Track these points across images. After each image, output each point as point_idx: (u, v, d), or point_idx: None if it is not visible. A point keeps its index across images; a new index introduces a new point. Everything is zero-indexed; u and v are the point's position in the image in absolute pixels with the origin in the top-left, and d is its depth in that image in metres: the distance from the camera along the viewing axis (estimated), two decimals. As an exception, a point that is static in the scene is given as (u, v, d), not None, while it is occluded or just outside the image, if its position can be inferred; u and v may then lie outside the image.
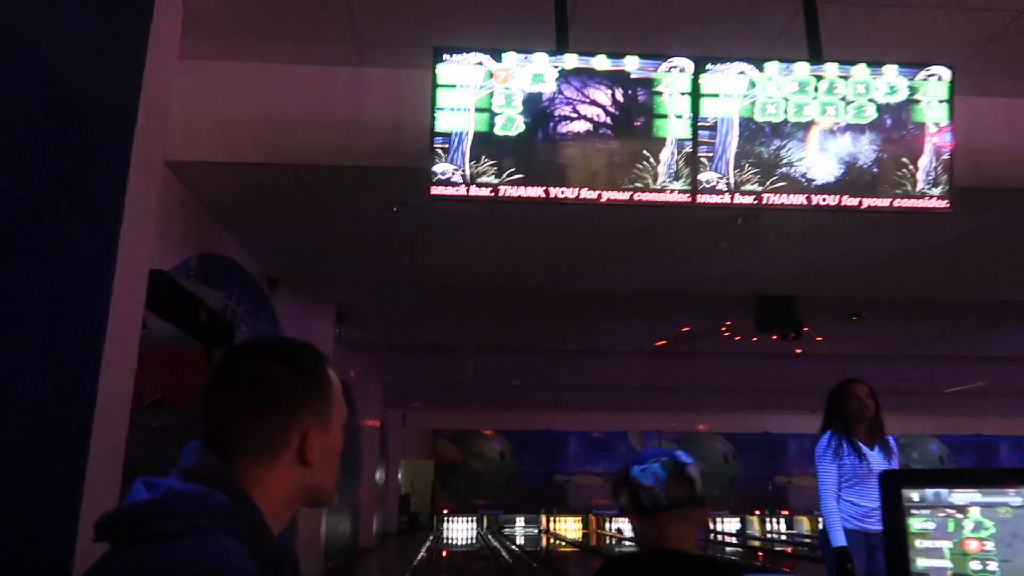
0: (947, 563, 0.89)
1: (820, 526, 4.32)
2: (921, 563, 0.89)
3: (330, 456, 1.11)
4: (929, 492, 0.93)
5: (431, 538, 17.66)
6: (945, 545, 0.90)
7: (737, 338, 10.31)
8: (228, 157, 4.33)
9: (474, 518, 20.16)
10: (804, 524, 21.20)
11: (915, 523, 0.92)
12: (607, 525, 20.62)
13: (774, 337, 8.61)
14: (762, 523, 21.06)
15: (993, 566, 0.87)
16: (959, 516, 0.90)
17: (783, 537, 19.88)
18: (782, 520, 21.14)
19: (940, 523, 0.90)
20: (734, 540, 18.90)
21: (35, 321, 2.79)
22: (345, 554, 12.83)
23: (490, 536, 18.43)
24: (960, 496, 0.92)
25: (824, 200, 3.30)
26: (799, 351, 11.07)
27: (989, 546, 0.88)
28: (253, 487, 1.02)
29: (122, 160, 3.06)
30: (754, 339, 9.99)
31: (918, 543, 0.90)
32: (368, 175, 4.50)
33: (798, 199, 3.28)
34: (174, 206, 4.61)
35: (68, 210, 2.94)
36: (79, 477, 2.79)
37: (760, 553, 15.80)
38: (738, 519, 21.05)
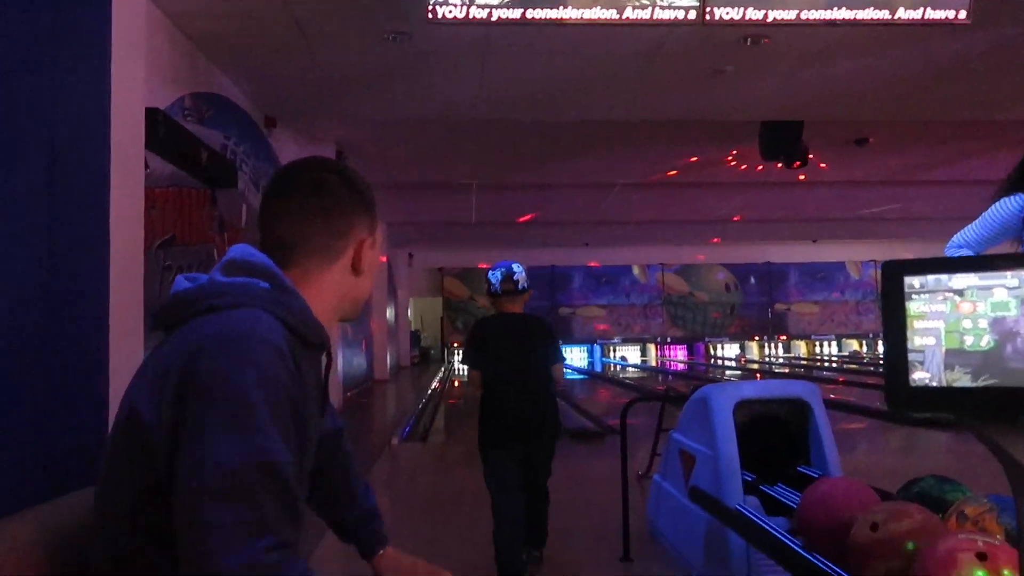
0: (942, 340, 0.93)
1: None
2: (918, 341, 0.94)
3: (372, 269, 1.21)
4: (931, 278, 0.96)
5: (443, 370, 18.43)
6: (941, 325, 0.94)
7: (742, 168, 10.23)
8: (212, -14, 4.14)
9: (483, 350, 20.87)
10: (801, 348, 22.02)
11: (914, 306, 0.95)
12: (612, 353, 21.43)
13: (779, 165, 8.54)
14: (760, 348, 21.85)
15: (985, 340, 0.91)
16: (957, 299, 0.94)
17: (780, 360, 20.70)
18: (780, 345, 21.91)
19: (938, 305, 0.94)
20: (732, 364, 19.70)
21: (36, 166, 2.77)
22: (361, 385, 13.46)
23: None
24: (960, 280, 0.95)
25: (844, 15, 3.17)
26: (803, 178, 11.01)
27: (983, 323, 0.92)
28: (309, 285, 1.11)
29: (103, -11, 2.93)
30: (759, 168, 9.92)
31: (916, 324, 0.95)
32: (359, 1, 4.30)
33: (818, 13, 3.15)
34: (162, 42, 4.45)
35: (53, 48, 2.84)
36: (103, 321, 2.88)
37: (758, 375, 16.50)
38: (738, 345, 21.83)
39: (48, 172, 2.84)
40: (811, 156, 8.52)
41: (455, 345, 20.82)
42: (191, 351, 0.94)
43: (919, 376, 0.91)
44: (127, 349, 3.06)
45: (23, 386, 2.67)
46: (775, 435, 2.93)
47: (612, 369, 19.18)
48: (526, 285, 3.45)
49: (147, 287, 3.36)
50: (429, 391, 12.93)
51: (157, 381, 0.95)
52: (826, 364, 19.30)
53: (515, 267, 3.43)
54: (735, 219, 15.16)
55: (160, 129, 3.89)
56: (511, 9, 2.97)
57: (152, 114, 3.77)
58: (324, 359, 1.15)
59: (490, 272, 3.47)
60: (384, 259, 15.32)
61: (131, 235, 3.11)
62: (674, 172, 10.60)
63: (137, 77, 3.17)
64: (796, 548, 2.01)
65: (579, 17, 3.03)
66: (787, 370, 16.77)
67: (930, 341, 0.91)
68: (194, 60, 5.05)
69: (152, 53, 3.78)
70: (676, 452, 3.40)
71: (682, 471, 3.25)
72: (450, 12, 3.01)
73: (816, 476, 2.79)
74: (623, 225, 15.69)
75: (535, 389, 3.33)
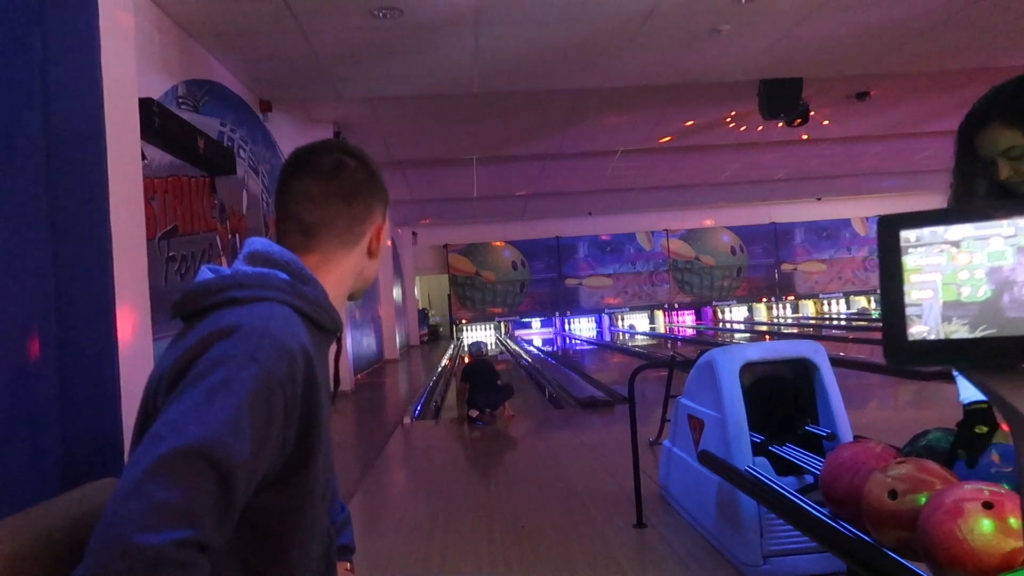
0: (940, 292, 0.93)
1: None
2: (916, 295, 0.94)
3: (382, 251, 1.23)
4: (927, 231, 0.96)
5: (452, 346, 18.48)
6: (938, 278, 0.94)
7: (742, 129, 10.14)
8: (198, -29, 4.09)
9: (492, 325, 21.04)
10: (809, 307, 21.98)
11: (910, 261, 0.95)
12: (620, 322, 21.44)
13: (780, 124, 8.45)
14: (768, 310, 21.83)
15: (982, 291, 0.91)
16: (953, 250, 0.93)
17: (789, 320, 20.66)
18: (788, 305, 21.87)
19: (935, 257, 0.94)
20: (741, 327, 19.69)
21: (34, 165, 2.77)
22: (372, 365, 13.52)
23: (509, 340, 19.28)
24: (956, 232, 0.94)
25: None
26: (805, 137, 10.91)
27: (980, 274, 0.91)
28: (328, 270, 1.14)
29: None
30: (759, 128, 9.82)
31: (913, 278, 0.94)
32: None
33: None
34: (150, 30, 4.42)
35: (43, 45, 2.83)
36: (109, 314, 2.89)
37: (767, 337, 16.50)
38: (746, 307, 21.81)
39: (45, 171, 2.84)
40: (812, 113, 8.43)
41: (464, 321, 20.87)
42: (205, 341, 0.95)
43: (917, 330, 0.90)
44: (135, 341, 3.08)
45: (39, 384, 2.70)
46: (782, 396, 2.93)
47: (621, 338, 19.20)
48: (487, 350, 7.81)
49: (151, 278, 3.37)
50: (439, 368, 12.98)
51: (174, 372, 0.95)
52: (835, 322, 19.27)
53: (483, 346, 7.77)
54: (738, 181, 15.06)
55: (155, 119, 3.87)
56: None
57: (146, 104, 3.76)
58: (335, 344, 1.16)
59: (470, 346, 7.87)
60: (388, 242, 15.32)
61: (132, 227, 3.11)
62: (674, 137, 10.52)
63: (128, 68, 3.16)
64: (806, 506, 2.02)
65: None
66: (796, 330, 16.76)
67: (927, 294, 0.90)
68: (185, 47, 5.01)
69: (142, 42, 3.76)
70: (684, 417, 3.41)
71: (691, 436, 3.27)
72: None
73: (824, 434, 2.80)
74: (626, 193, 15.62)
75: (491, 380, 7.18)
